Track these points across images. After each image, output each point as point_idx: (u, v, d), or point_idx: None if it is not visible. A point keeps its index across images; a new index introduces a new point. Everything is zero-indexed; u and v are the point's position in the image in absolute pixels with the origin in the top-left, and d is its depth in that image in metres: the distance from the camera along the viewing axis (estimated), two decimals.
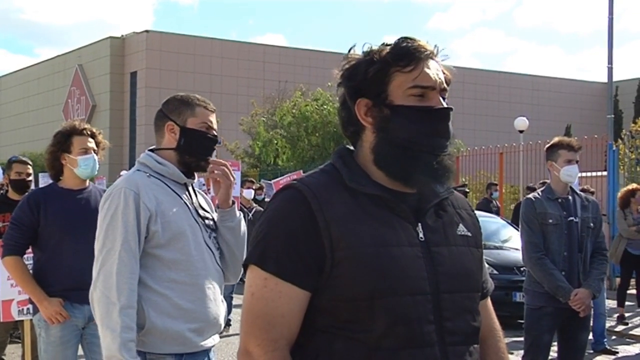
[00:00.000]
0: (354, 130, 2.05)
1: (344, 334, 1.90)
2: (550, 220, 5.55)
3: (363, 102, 2.00)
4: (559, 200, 5.61)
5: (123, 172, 3.97)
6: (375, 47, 2.02)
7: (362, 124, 2.01)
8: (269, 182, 16.20)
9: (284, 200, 1.97)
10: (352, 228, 1.90)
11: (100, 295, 3.14)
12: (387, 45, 2.01)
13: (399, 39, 2.01)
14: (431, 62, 1.99)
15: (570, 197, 5.64)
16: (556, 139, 5.81)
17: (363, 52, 2.03)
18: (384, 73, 1.97)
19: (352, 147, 2.10)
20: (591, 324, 9.57)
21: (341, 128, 2.10)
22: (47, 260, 4.70)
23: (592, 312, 9.52)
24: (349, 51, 2.06)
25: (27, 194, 5.45)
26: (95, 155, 4.75)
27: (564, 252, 5.53)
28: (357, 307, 1.88)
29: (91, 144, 4.76)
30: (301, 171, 11.18)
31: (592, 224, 5.63)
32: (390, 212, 1.96)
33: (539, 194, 5.76)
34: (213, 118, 3.50)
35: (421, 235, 1.98)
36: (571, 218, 5.56)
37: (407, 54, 1.96)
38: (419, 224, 1.99)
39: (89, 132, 4.79)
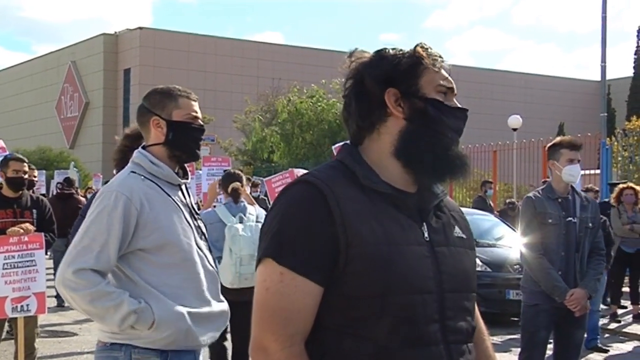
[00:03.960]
0: (373, 120, 2.04)
1: (352, 331, 1.89)
2: (550, 220, 5.52)
3: (392, 91, 2.01)
4: (559, 199, 5.58)
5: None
6: (389, 48, 2.09)
7: (385, 115, 2.03)
8: (262, 179, 16.23)
9: (299, 194, 1.94)
10: (367, 225, 1.90)
11: (75, 287, 3.09)
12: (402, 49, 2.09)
13: (421, 43, 2.10)
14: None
15: (570, 197, 5.62)
16: (558, 139, 5.76)
17: (377, 50, 2.08)
18: (417, 67, 2.03)
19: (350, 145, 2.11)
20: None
21: (356, 119, 2.06)
22: None
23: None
24: (353, 52, 2.09)
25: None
26: None
27: (561, 252, 5.52)
28: (368, 305, 1.88)
29: None
30: (294, 170, 11.19)
31: (590, 224, 5.60)
32: (399, 211, 1.98)
33: (539, 192, 5.73)
34: (197, 107, 3.46)
35: (426, 234, 2.00)
36: (570, 218, 5.53)
37: (433, 55, 2.06)
38: (424, 224, 2.01)
39: None
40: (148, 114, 3.40)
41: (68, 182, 14.16)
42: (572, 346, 5.66)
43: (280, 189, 9.82)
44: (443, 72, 2.06)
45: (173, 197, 3.35)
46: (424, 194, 2.04)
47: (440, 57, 2.07)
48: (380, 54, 2.06)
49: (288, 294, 1.87)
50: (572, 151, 5.57)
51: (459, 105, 2.09)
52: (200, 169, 13.48)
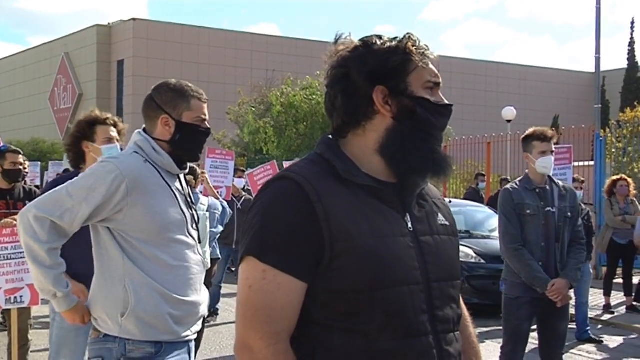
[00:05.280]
0: (359, 118, 2.01)
1: (342, 326, 1.89)
2: (528, 211, 5.56)
3: (380, 89, 1.99)
4: (537, 190, 5.61)
5: None
6: (374, 37, 2.03)
7: (372, 112, 2.00)
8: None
9: (280, 191, 1.93)
10: (351, 220, 1.89)
11: (26, 229, 3.16)
12: (392, 39, 2.03)
13: (407, 34, 2.05)
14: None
15: (547, 187, 5.65)
16: (530, 130, 5.81)
17: (363, 40, 2.03)
18: (406, 64, 2.00)
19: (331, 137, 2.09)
20: (572, 313, 9.67)
21: (342, 115, 2.03)
22: (69, 246, 4.67)
23: (574, 302, 9.62)
24: (338, 39, 2.05)
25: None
26: (118, 144, 4.70)
27: (541, 242, 5.55)
28: (356, 299, 1.88)
29: (114, 133, 4.68)
30: (274, 162, 11.07)
31: (569, 214, 5.62)
32: (381, 202, 1.97)
33: (516, 184, 5.76)
34: (206, 109, 3.46)
35: (410, 225, 2.00)
36: (548, 208, 5.56)
37: (422, 50, 2.03)
38: (407, 214, 2.01)
39: (111, 122, 4.73)
40: (158, 110, 3.39)
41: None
42: (557, 337, 5.67)
43: (262, 181, 10.25)
44: (431, 66, 2.04)
45: (170, 184, 3.36)
46: (406, 184, 2.03)
47: (427, 49, 2.04)
48: (368, 46, 2.01)
49: (271, 292, 1.86)
50: (543, 143, 5.61)
51: (446, 102, 2.06)
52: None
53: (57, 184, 4.65)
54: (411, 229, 1.99)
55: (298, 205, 1.89)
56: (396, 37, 2.04)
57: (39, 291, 3.34)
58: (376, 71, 1.98)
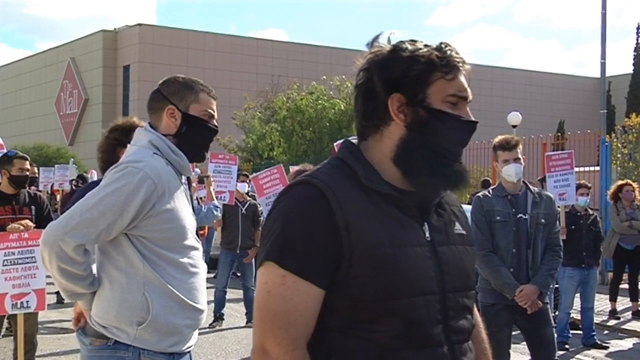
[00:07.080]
0: (377, 123, 1.99)
1: (357, 333, 1.88)
2: (498, 218, 5.57)
3: (396, 97, 1.95)
4: (508, 197, 5.63)
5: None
6: (407, 42, 1.99)
7: (389, 118, 1.97)
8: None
9: (300, 196, 1.91)
10: (370, 227, 1.88)
11: (62, 257, 2.96)
12: (426, 45, 1.98)
13: (441, 43, 2.00)
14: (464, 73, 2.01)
15: (520, 194, 5.65)
16: (495, 139, 5.82)
17: (395, 45, 1.99)
18: (427, 75, 1.94)
19: (354, 141, 2.06)
20: (579, 319, 9.65)
21: (361, 118, 2.02)
22: None
23: (580, 307, 9.60)
24: (374, 40, 2.02)
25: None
26: None
27: (512, 249, 5.54)
28: (373, 308, 1.87)
29: None
30: (281, 166, 10.98)
31: (543, 220, 5.60)
32: (400, 211, 1.95)
33: (489, 191, 5.80)
34: (215, 106, 3.32)
35: (427, 234, 1.98)
36: (520, 215, 5.56)
37: (451, 62, 1.97)
38: (425, 224, 2.00)
39: None
40: (163, 101, 3.25)
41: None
42: (545, 344, 5.59)
43: (268, 185, 9.96)
44: (460, 79, 1.98)
45: (183, 187, 3.25)
46: (423, 194, 2.00)
47: (460, 62, 1.98)
48: (395, 51, 1.97)
49: (290, 297, 1.86)
50: (505, 152, 5.64)
51: (470, 117, 2.01)
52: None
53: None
54: (429, 239, 1.98)
55: (318, 211, 1.87)
56: (429, 45, 1.98)
57: (65, 295, 3.18)
58: (396, 78, 1.94)
